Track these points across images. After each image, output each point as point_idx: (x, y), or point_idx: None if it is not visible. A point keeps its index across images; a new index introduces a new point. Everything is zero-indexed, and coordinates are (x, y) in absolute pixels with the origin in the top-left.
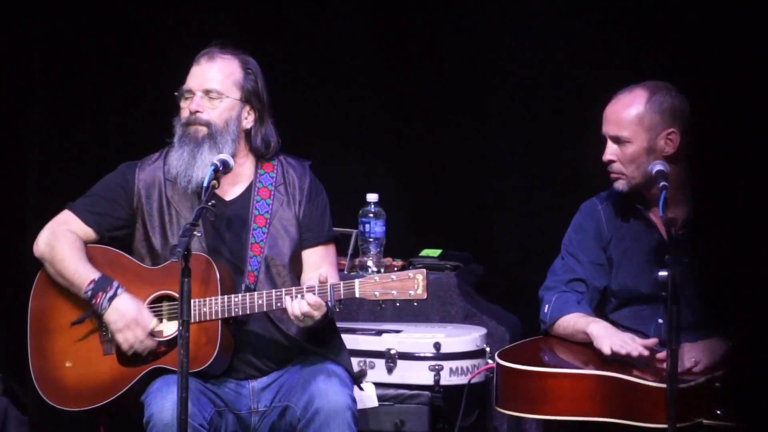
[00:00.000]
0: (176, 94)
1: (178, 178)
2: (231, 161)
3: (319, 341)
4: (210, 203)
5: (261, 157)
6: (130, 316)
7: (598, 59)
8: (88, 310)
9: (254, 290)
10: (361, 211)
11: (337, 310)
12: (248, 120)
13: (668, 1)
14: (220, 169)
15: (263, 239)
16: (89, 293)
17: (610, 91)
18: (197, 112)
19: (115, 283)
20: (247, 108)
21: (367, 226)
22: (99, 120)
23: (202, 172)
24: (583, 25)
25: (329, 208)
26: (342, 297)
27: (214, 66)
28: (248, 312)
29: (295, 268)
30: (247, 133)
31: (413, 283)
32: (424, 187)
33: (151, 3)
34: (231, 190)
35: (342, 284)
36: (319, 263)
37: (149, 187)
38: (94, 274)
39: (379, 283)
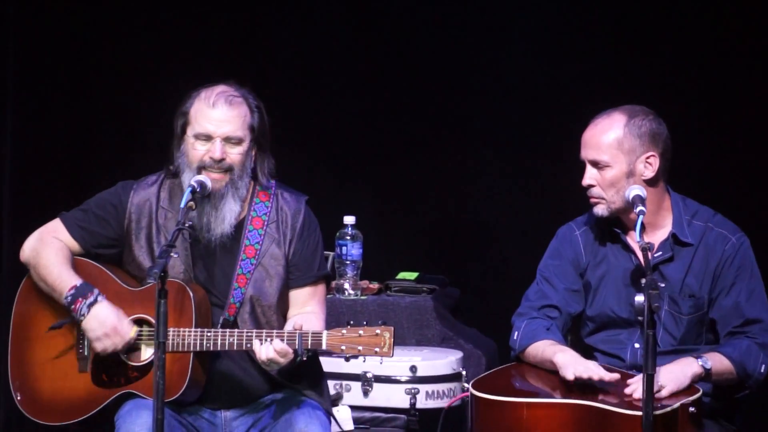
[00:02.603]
0: (192, 136)
1: (201, 231)
2: (208, 182)
3: (297, 376)
4: (187, 224)
5: (259, 185)
6: (109, 325)
7: (579, 83)
8: (68, 317)
9: (233, 323)
10: (338, 234)
11: (305, 358)
12: (254, 157)
13: (653, 27)
14: (197, 190)
15: (250, 271)
16: (69, 299)
17: (591, 115)
18: (222, 159)
19: (96, 291)
20: (255, 146)
21: (344, 248)
22: (75, 127)
23: (228, 223)
24: (565, 48)
25: (322, 245)
26: (309, 347)
27: (233, 111)
28: (219, 349)
29: (282, 306)
30: (252, 169)
31: (380, 341)
32: (401, 210)
33: (129, 14)
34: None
35: (310, 334)
36: (305, 302)
37: (140, 212)
38: (76, 281)
39: (346, 337)
